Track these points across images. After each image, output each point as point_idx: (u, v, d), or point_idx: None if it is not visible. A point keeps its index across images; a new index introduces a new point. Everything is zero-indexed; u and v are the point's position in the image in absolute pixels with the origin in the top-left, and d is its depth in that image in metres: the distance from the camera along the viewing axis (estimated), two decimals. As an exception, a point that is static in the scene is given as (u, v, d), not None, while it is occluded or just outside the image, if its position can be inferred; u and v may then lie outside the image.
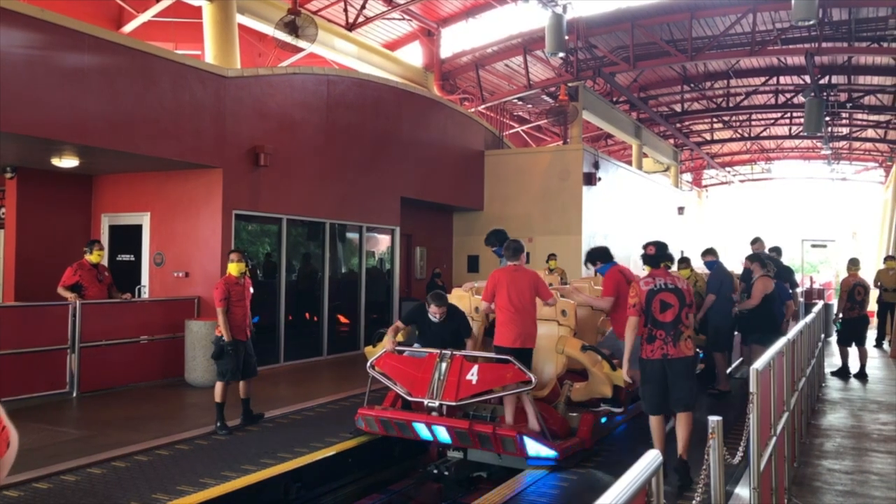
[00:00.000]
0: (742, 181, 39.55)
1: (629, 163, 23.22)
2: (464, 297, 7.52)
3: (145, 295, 10.71)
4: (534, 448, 5.79)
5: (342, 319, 13.16)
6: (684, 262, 10.18)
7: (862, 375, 10.91)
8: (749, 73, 21.42)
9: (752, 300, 8.89)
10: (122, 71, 8.93)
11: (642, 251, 6.04)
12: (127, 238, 11.02)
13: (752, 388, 3.39)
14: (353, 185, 12.78)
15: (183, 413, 8.27)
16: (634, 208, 20.16)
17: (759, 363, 3.65)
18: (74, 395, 8.63)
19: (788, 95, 22.49)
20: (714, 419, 3.07)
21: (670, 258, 6.17)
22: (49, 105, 8.09)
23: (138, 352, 9.61)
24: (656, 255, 5.91)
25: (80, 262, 9.19)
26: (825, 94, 19.40)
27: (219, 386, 7.12)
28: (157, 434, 6.85)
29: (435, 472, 6.27)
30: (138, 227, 10.91)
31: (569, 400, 6.72)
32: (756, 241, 10.71)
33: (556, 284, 9.70)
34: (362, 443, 6.65)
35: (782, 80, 21.73)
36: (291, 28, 11.67)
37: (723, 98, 23.90)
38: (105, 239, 11.03)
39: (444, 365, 6.15)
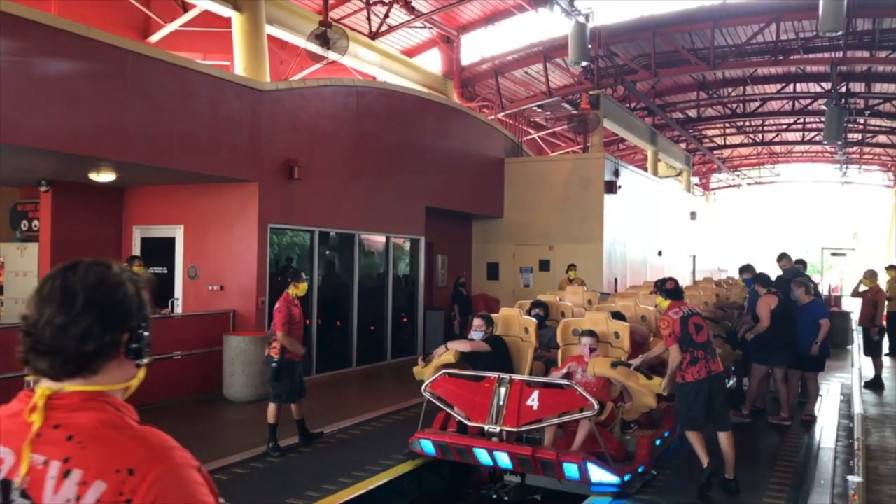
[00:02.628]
0: (750, 184, 39.57)
1: (640, 166, 23.23)
2: (513, 317, 7.50)
3: (179, 308, 10.70)
4: (598, 475, 5.78)
5: (370, 329, 13.15)
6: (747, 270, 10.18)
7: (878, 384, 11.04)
8: (766, 80, 21.44)
9: (762, 323, 8.57)
10: (161, 86, 8.91)
11: (660, 285, 6.72)
12: (159, 250, 11.00)
13: (858, 433, 3.38)
14: (379, 196, 12.77)
15: (228, 432, 8.26)
16: (651, 214, 20.16)
17: (858, 406, 3.63)
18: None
19: (805, 102, 22.49)
20: (854, 480, 3.06)
21: (682, 292, 6.84)
22: (91, 122, 8.08)
23: (174, 367, 9.59)
24: (675, 288, 6.64)
25: (120, 278, 9.15)
26: (844, 101, 19.41)
27: (272, 407, 7.12)
28: (209, 456, 6.82)
29: (494, 496, 6.26)
30: (171, 240, 10.90)
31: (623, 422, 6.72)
32: (783, 258, 10.69)
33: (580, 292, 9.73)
34: (418, 465, 6.64)
35: (799, 86, 21.73)
36: (323, 40, 11.65)
37: (738, 104, 23.90)
38: (137, 251, 11.01)
39: (503, 390, 6.15)
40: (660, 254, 20.64)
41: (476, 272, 17.37)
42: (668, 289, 6.60)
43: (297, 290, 7.45)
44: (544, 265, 16.85)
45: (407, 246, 14.21)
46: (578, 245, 16.27)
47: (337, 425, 8.23)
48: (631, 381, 6.54)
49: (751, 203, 42.98)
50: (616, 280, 16.96)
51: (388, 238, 13.40)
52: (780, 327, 8.48)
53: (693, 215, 25.43)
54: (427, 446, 6.42)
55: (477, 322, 7.03)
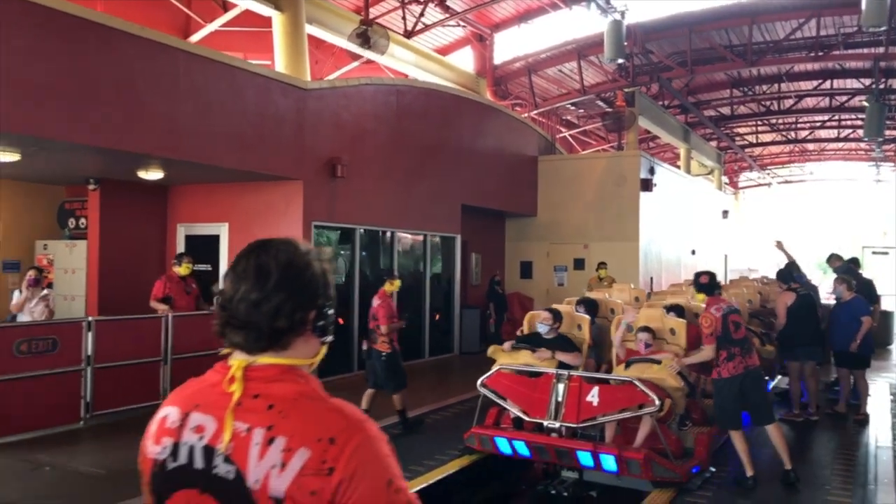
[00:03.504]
0: (780, 183, 39.12)
1: (671, 164, 23.05)
2: (567, 313, 7.47)
3: (223, 305, 10.78)
4: (660, 470, 5.76)
5: (408, 327, 13.15)
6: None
7: None
8: (802, 77, 21.16)
9: (779, 320, 8.56)
10: (210, 85, 9.01)
11: (695, 278, 6.58)
12: (204, 248, 11.10)
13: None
14: (416, 194, 12.80)
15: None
16: (684, 213, 20.00)
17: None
18: (167, 406, 8.71)
19: (842, 99, 22.18)
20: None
21: (720, 286, 6.60)
22: (143, 120, 8.19)
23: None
24: (710, 283, 6.41)
25: (169, 275, 9.30)
26: (884, 98, 19.12)
27: (400, 396, 7.65)
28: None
29: (552, 492, 6.25)
30: (215, 238, 11.00)
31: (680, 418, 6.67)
32: (832, 258, 10.55)
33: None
34: (475, 461, 6.64)
35: (836, 83, 21.43)
36: (364, 39, 11.70)
37: (773, 101, 23.62)
38: (181, 249, 11.13)
39: (561, 386, 6.14)
40: (693, 253, 20.47)
41: (509, 271, 17.33)
42: (701, 283, 6.45)
43: (392, 286, 7.89)
44: (579, 264, 16.77)
45: (444, 244, 14.23)
46: (614, 243, 16.17)
47: (383, 421, 8.25)
48: (646, 373, 6.41)
49: (780, 202, 42.44)
50: (651, 279, 16.84)
51: (425, 236, 13.43)
52: (800, 324, 8.38)
53: (725, 214, 25.19)
54: (485, 441, 6.41)
55: (545, 315, 7.00)
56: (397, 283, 8.03)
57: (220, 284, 1.47)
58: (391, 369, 7.66)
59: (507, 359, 6.88)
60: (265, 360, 1.42)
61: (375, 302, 7.81)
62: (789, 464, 6.11)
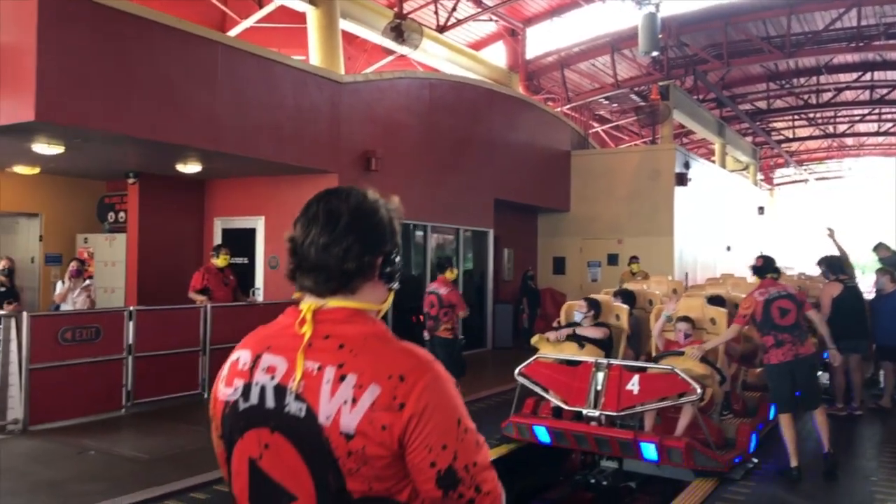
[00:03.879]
0: (818, 179, 38.38)
1: (706, 160, 22.74)
2: (605, 303, 7.40)
3: (259, 297, 10.91)
4: (702, 460, 5.68)
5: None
6: None
7: None
8: (841, 69, 20.73)
9: (823, 311, 8.20)
10: (248, 78, 9.10)
11: (753, 263, 6.60)
12: (240, 241, 11.22)
13: None
14: (449, 188, 12.79)
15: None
16: (720, 208, 19.73)
17: None
18: (206, 395, 8.82)
19: (883, 91, 21.70)
20: None
21: (777, 270, 6.52)
22: (184, 112, 8.31)
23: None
24: (763, 266, 6.39)
25: (207, 267, 9.41)
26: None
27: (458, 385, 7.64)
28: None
29: (592, 481, 6.20)
30: (251, 231, 11.12)
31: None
32: (880, 248, 10.27)
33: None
34: (512, 450, 6.61)
35: (877, 75, 20.96)
36: (398, 33, 11.72)
37: (811, 94, 23.19)
38: (218, 242, 11.25)
39: (601, 374, 6.08)
40: (728, 249, 20.18)
41: (542, 267, 17.24)
42: (755, 265, 6.47)
43: (452, 274, 8.27)
44: (612, 259, 16.62)
45: (476, 238, 14.21)
46: (649, 238, 16.01)
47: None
48: (675, 365, 6.20)
49: (816, 199, 41.60)
50: (686, 275, 16.63)
51: (457, 230, 13.42)
52: (846, 316, 8.13)
53: (761, 210, 24.81)
54: (523, 430, 6.38)
55: (580, 303, 6.98)
56: (455, 271, 8.68)
57: (292, 230, 1.49)
58: (453, 357, 7.76)
59: (549, 349, 6.83)
60: (335, 303, 1.45)
61: (443, 290, 8.01)
62: (829, 447, 6.06)
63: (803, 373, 6.01)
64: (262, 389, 1.42)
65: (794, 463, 5.89)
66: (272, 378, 1.42)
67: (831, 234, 10.07)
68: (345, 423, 1.32)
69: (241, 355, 1.51)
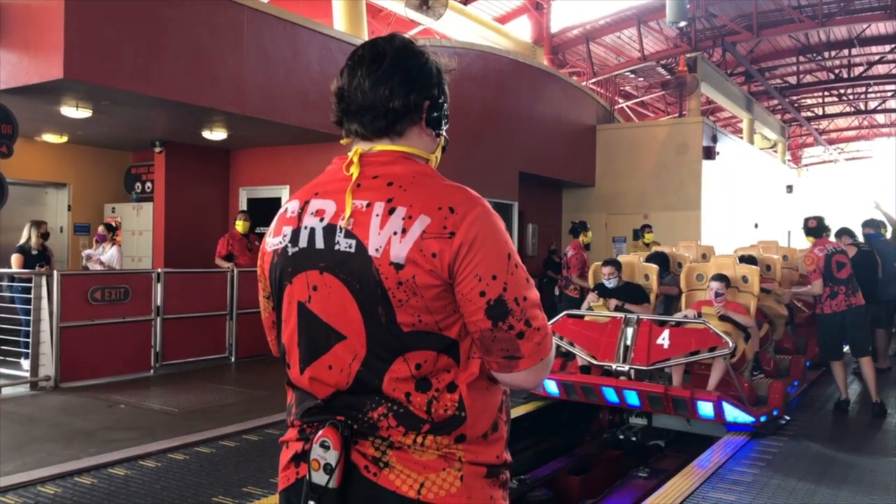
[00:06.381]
0: (848, 159, 37.64)
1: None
2: (634, 264, 7.33)
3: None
4: (732, 413, 5.60)
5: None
6: None
7: None
8: (874, 41, 20.24)
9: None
10: (274, 42, 9.07)
11: (804, 223, 7.10)
12: (266, 210, 11.22)
13: None
14: (474, 159, 12.69)
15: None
16: (748, 184, 19.43)
17: None
18: (233, 360, 8.88)
19: (917, 65, 21.19)
20: None
21: (828, 229, 7.18)
22: (211, 75, 8.29)
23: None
24: (818, 227, 6.93)
25: (231, 233, 9.46)
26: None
27: None
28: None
29: (621, 437, 6.15)
30: (277, 200, 11.12)
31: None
32: None
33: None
34: (539, 407, 6.58)
35: (911, 47, 20.49)
36: (423, 1, 11.62)
37: (842, 69, 22.70)
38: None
39: (630, 330, 6.01)
40: (756, 226, 19.89)
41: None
42: (809, 227, 6.94)
43: (586, 238, 9.12)
44: (638, 235, 16.44)
45: (500, 211, 14.11)
46: (675, 213, 15.79)
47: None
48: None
49: (843, 179, 40.82)
50: (714, 250, 16.39)
51: (483, 202, 13.33)
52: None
53: (790, 189, 24.39)
54: (550, 386, 6.35)
55: (608, 270, 6.97)
56: (590, 234, 9.46)
57: (338, 78, 1.48)
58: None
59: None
60: (382, 146, 1.44)
61: (570, 252, 8.99)
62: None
63: (853, 321, 6.51)
64: (312, 232, 1.41)
65: (843, 396, 6.66)
66: (321, 220, 1.41)
67: (878, 205, 10.30)
68: (395, 253, 1.31)
69: (288, 206, 1.51)
